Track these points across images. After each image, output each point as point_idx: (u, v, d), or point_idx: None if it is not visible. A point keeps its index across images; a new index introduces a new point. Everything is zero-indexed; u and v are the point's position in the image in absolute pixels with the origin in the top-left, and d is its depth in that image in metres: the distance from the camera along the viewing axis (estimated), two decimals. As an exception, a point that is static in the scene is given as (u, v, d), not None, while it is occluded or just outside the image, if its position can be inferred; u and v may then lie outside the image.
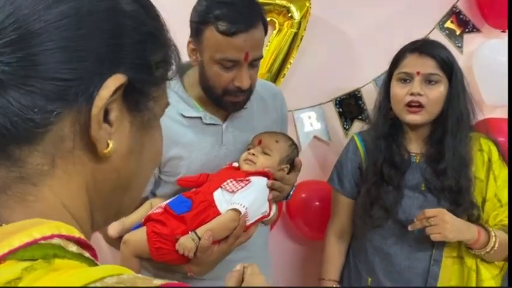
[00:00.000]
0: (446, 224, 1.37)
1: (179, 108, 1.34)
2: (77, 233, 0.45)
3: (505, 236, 1.43)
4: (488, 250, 1.41)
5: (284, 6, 1.87)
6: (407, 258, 1.50)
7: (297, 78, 2.00)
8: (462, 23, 2.11)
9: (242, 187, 1.23)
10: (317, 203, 1.96)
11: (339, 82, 2.04)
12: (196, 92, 1.37)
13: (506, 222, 1.45)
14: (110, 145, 0.48)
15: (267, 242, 1.55)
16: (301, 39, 1.92)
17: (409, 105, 1.46)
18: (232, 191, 1.23)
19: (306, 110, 2.02)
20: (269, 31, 1.93)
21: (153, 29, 0.53)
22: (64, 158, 0.47)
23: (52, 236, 0.43)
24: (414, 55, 1.48)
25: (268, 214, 1.29)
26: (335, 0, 1.99)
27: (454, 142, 1.47)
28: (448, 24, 2.10)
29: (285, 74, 1.95)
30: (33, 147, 0.46)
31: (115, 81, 0.47)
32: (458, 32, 2.11)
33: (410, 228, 1.42)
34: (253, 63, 1.29)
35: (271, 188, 1.28)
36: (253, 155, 1.30)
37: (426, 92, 1.46)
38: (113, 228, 1.28)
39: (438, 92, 1.46)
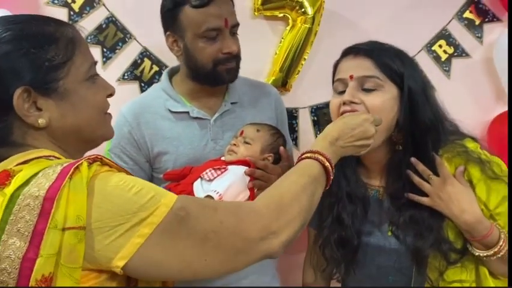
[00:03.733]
0: None
1: (167, 104, 1.41)
2: (57, 154, 0.86)
3: None
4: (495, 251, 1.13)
5: (297, 2, 1.84)
6: None
7: (311, 74, 1.97)
8: (481, 13, 2.04)
9: (218, 175, 1.24)
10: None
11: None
12: (185, 87, 1.44)
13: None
14: (40, 121, 0.85)
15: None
16: (315, 34, 1.89)
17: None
18: (210, 180, 1.24)
19: (321, 106, 1.99)
20: (282, 27, 1.93)
21: (32, 44, 0.84)
22: (28, 130, 0.86)
23: (40, 157, 0.84)
24: (348, 57, 1.21)
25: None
26: (349, -6, 1.95)
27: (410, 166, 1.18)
28: (467, 14, 2.04)
29: (299, 71, 1.92)
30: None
31: (17, 94, 0.82)
32: (477, 22, 2.05)
33: None
34: (233, 31, 1.37)
35: (253, 176, 1.26)
36: (235, 145, 1.33)
37: (364, 99, 1.15)
38: None
39: (379, 98, 1.14)
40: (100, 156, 0.84)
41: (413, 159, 1.17)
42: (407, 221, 1.18)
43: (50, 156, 0.85)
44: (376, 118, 1.10)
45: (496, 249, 1.11)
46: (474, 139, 1.22)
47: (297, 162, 0.99)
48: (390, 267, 1.20)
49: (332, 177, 0.98)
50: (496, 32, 2.05)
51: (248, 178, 1.26)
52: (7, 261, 0.73)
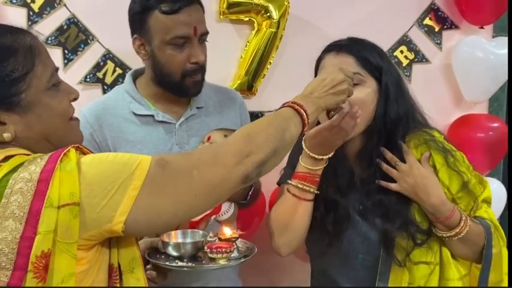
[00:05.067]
0: None
1: (130, 107, 1.39)
2: (31, 153, 0.87)
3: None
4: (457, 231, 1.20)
5: (262, 6, 1.85)
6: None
7: (277, 78, 1.98)
8: (440, 20, 2.11)
9: None
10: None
11: (319, 81, 2.03)
12: (149, 90, 1.41)
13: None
14: (5, 135, 0.86)
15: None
16: (280, 38, 1.90)
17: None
18: None
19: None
20: (248, 31, 1.93)
21: None
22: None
23: (16, 154, 0.85)
24: (331, 55, 1.27)
25: (217, 210, 1.26)
26: (314, -1, 1.98)
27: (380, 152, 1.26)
28: (427, 21, 2.10)
29: (264, 75, 1.93)
30: None
31: None
32: (436, 29, 2.12)
33: None
34: (202, 39, 1.35)
35: None
36: None
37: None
38: None
39: (362, 93, 1.21)
40: (80, 146, 0.89)
41: (381, 149, 1.26)
42: (376, 204, 1.26)
43: (28, 154, 0.87)
44: (343, 68, 1.13)
45: (457, 230, 1.20)
46: (439, 132, 1.33)
47: None
48: (360, 244, 1.27)
49: (307, 120, 1.01)
50: (454, 39, 2.12)
51: None
52: (3, 243, 0.76)
